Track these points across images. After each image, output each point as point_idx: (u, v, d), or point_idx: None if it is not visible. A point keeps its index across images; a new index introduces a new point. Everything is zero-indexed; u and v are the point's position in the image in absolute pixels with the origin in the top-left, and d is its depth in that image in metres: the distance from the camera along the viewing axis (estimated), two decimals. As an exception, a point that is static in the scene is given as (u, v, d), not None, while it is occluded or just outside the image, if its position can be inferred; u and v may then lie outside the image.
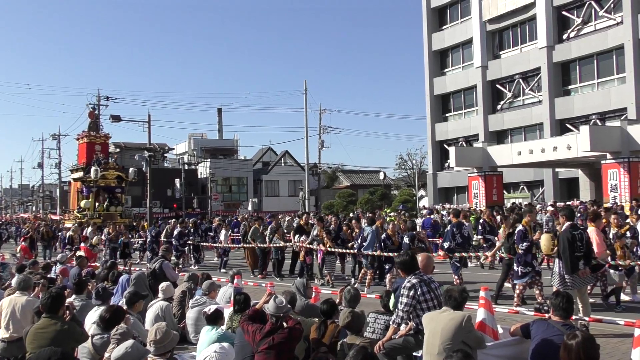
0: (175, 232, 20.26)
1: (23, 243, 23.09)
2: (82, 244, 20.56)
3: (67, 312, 6.15)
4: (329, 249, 14.70)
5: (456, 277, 12.38)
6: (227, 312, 7.43)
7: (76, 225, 21.98)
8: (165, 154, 55.03)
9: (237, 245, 19.32)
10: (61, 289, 7.45)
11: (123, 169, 34.15)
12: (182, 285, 9.68)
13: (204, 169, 56.51)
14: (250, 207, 48.96)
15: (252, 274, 17.19)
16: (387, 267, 13.21)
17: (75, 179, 34.01)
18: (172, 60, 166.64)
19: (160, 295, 8.80)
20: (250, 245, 17.45)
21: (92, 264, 15.78)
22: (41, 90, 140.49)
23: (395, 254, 12.47)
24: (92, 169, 30.89)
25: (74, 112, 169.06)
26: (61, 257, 13.61)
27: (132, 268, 17.42)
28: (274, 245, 16.58)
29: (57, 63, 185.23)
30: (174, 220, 24.94)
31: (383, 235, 13.56)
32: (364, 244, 13.58)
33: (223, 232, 19.90)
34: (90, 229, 22.01)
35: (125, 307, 7.23)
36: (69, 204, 63.00)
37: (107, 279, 10.09)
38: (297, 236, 16.04)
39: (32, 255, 21.37)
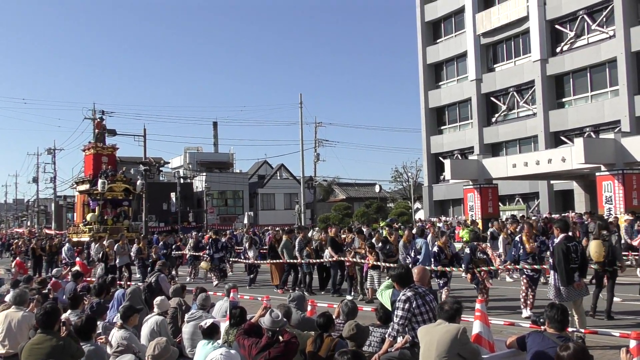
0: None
1: (18, 258, 22.98)
2: (77, 259, 20.48)
3: (64, 327, 6.12)
4: (374, 263, 13.84)
5: (529, 290, 11.09)
6: (223, 326, 7.41)
7: (111, 240, 21.16)
8: (161, 168, 55.15)
9: (265, 262, 18.12)
10: (52, 302, 7.42)
11: (130, 181, 33.17)
12: (171, 301, 9.57)
13: (199, 183, 56.46)
14: (246, 221, 48.86)
15: (277, 288, 16.67)
16: (440, 282, 12.32)
17: (81, 192, 32.59)
18: (167, 74, 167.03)
19: (155, 309, 8.76)
20: (281, 261, 16.76)
21: (88, 279, 15.72)
22: (36, 105, 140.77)
23: (450, 269, 12.02)
24: (100, 181, 29.77)
25: (69, 126, 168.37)
26: (56, 272, 13.61)
27: (128, 283, 17.33)
28: (305, 260, 15.98)
29: (52, 78, 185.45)
30: (195, 232, 24.40)
31: (435, 249, 12.76)
32: (418, 257, 12.97)
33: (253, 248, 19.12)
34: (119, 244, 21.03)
35: (120, 322, 7.21)
36: (63, 218, 62.94)
37: (102, 294, 9.96)
38: (332, 250, 15.21)
39: (27, 271, 21.23)
